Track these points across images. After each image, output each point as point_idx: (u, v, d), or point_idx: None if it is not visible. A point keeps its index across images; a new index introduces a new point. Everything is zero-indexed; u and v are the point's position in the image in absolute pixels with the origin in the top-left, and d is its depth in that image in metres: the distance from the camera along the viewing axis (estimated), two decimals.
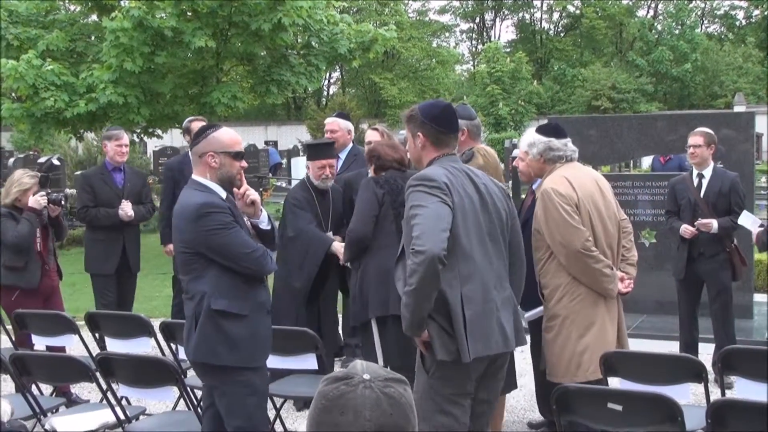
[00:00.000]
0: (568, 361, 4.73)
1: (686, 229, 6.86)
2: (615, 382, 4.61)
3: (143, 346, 5.54)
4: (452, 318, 3.70)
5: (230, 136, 4.11)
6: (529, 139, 4.98)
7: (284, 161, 26.74)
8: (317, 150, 6.40)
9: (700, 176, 6.97)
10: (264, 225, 4.25)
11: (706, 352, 6.90)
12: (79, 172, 7.92)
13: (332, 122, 7.40)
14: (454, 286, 3.71)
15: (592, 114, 37.31)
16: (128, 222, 7.38)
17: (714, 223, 6.77)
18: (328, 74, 48.21)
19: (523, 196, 7.81)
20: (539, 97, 42.97)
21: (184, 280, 4.08)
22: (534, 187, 5.44)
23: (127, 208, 7.33)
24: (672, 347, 7.02)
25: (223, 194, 4.10)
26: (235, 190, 4.17)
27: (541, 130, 4.98)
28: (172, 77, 15.20)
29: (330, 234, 6.30)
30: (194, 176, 4.14)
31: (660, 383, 4.24)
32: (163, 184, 8.22)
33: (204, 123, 8.01)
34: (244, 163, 4.15)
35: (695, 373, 4.30)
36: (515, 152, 5.55)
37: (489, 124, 36.78)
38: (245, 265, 3.98)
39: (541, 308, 5.06)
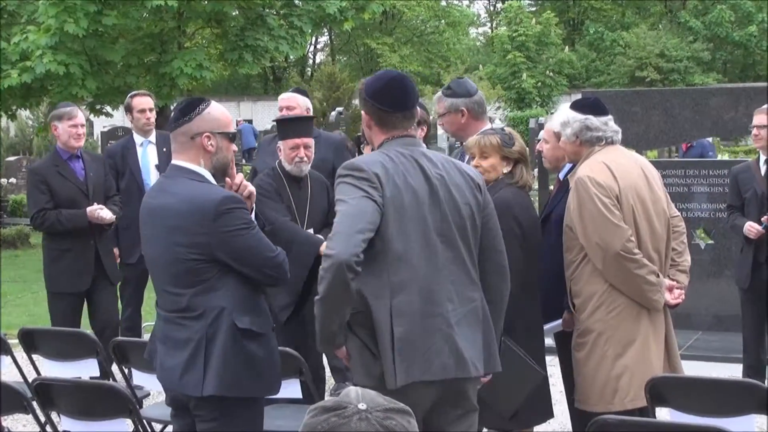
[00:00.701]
0: (602, 386, 4.75)
1: (751, 228, 6.83)
2: (663, 413, 4.62)
3: (90, 370, 5.53)
4: (377, 335, 3.71)
5: (224, 112, 4.11)
6: (562, 117, 4.99)
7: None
8: (289, 126, 6.33)
9: None
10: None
11: None
12: (28, 166, 7.54)
13: (290, 98, 7.37)
14: (382, 296, 3.70)
15: (635, 87, 37.30)
16: (98, 222, 6.94)
17: None
18: (314, 39, 48.21)
19: (551, 188, 7.79)
20: (571, 66, 42.98)
21: (185, 294, 3.93)
22: (561, 175, 5.46)
23: (103, 213, 6.91)
24: (733, 371, 7.03)
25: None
26: (227, 180, 4.13)
27: (576, 106, 4.99)
28: (125, 42, 15.21)
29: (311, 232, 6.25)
30: (182, 163, 4.03)
31: (718, 414, 4.24)
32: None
33: (149, 98, 8.02)
34: (234, 147, 4.15)
35: (761, 402, 4.28)
36: (542, 134, 5.58)
37: (510, 99, 36.86)
38: (269, 273, 3.96)
39: (559, 321, 5.08)
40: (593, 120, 4.91)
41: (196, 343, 3.91)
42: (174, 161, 4.08)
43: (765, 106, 7.01)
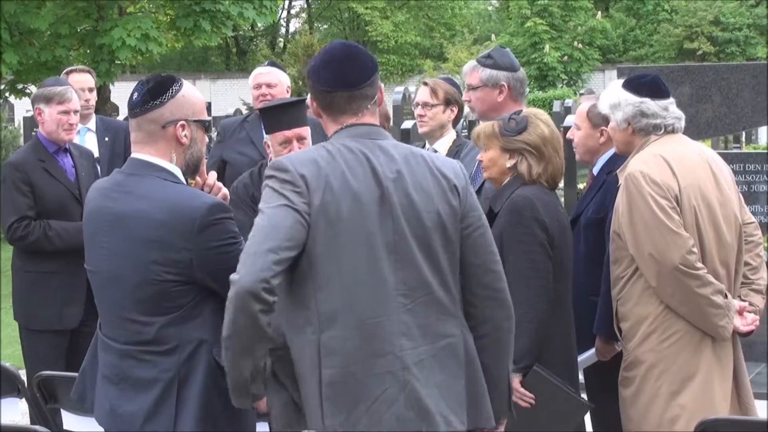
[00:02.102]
0: (654, 430, 4.76)
1: None
2: None
3: (10, 411, 5.54)
4: (299, 380, 3.62)
5: (199, 95, 4.11)
6: (613, 98, 4.99)
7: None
8: (278, 115, 6.29)
9: None
10: None
11: None
12: (6, 160, 6.84)
13: (269, 72, 7.34)
14: (307, 331, 3.59)
15: (685, 62, 37.39)
16: None
17: None
18: (287, 2, 48.25)
19: (581, 186, 7.81)
20: (605, 36, 43.07)
21: (153, 323, 3.89)
22: (595, 170, 5.48)
23: None
24: None
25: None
26: (197, 180, 4.11)
27: (630, 86, 4.98)
28: (52, 6, 15.21)
29: None
30: (147, 157, 4.00)
31: None
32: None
33: (88, 75, 7.97)
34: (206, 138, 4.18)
35: None
36: (569, 120, 5.59)
37: (530, 76, 36.87)
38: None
39: (592, 351, 5.09)
40: (650, 104, 4.91)
41: (166, 384, 3.87)
42: (136, 154, 4.02)
43: None
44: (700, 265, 4.70)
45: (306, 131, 6.19)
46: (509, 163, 4.84)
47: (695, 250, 4.70)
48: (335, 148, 3.67)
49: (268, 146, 6.15)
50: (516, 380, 4.61)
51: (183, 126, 3.96)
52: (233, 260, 3.66)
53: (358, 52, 3.83)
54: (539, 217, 4.69)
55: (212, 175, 4.17)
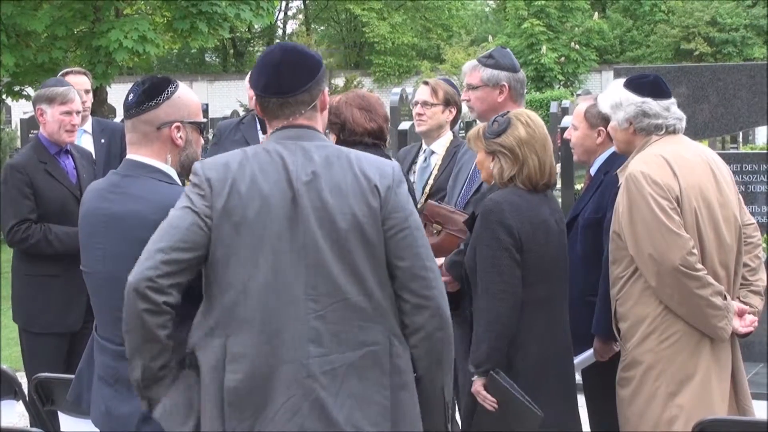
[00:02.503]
0: (652, 430, 4.76)
1: None
2: None
3: (8, 414, 5.53)
4: (201, 386, 3.58)
5: (194, 97, 4.12)
6: (614, 98, 4.99)
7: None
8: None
9: None
10: None
11: None
12: (7, 162, 6.66)
13: None
14: (211, 336, 3.56)
15: (681, 63, 37.42)
16: None
17: None
18: (284, 4, 48.26)
19: (578, 187, 7.79)
20: (602, 37, 43.11)
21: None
22: (592, 170, 5.48)
23: None
24: None
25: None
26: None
27: (632, 86, 4.99)
28: (49, 8, 15.21)
29: None
30: (142, 158, 4.02)
31: None
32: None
33: (84, 77, 7.94)
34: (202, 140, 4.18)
35: None
36: (566, 121, 5.59)
37: (528, 77, 36.70)
38: None
39: (590, 352, 5.09)
40: (652, 104, 4.91)
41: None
42: (131, 155, 4.03)
43: None
44: (700, 266, 4.70)
45: None
46: (493, 166, 4.83)
47: (695, 251, 4.70)
48: (253, 151, 3.64)
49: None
50: (478, 383, 4.67)
51: (178, 127, 3.98)
52: None
53: (297, 58, 3.76)
54: (505, 221, 4.66)
55: None
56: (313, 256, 3.53)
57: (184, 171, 4.03)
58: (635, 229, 4.72)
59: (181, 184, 4.03)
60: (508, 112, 4.98)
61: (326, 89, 3.87)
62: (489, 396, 4.66)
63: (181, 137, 3.99)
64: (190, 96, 4.06)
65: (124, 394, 3.91)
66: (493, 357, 4.65)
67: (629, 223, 4.74)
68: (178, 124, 3.98)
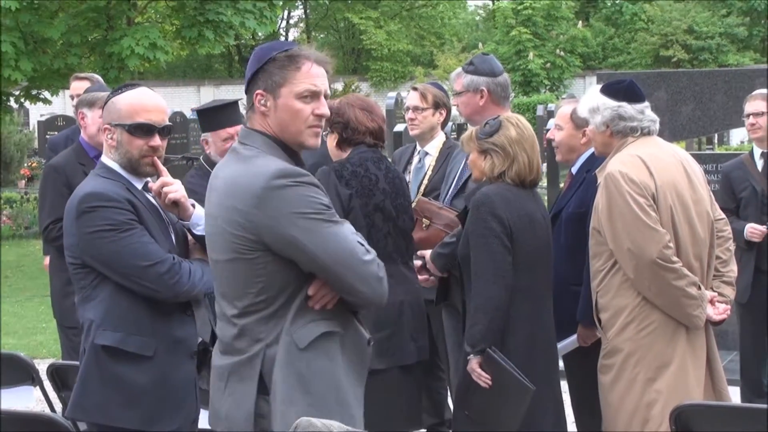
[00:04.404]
0: (630, 415, 4.78)
1: (754, 231, 6.87)
2: None
3: (25, 399, 5.53)
4: None
5: (130, 101, 4.10)
6: (592, 102, 5.01)
7: None
8: (217, 115, 6.25)
9: (766, 156, 7.02)
10: (199, 229, 4.15)
11: None
12: (48, 162, 6.58)
13: None
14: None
15: (660, 68, 37.41)
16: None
17: None
18: (286, 13, 48.22)
19: (562, 185, 7.82)
20: (585, 44, 43.11)
21: (76, 304, 4.10)
22: (574, 169, 5.49)
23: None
24: None
25: (138, 182, 4.12)
26: (150, 184, 4.15)
27: (608, 91, 5.01)
28: (65, 17, 15.19)
29: None
30: (102, 157, 4.20)
31: None
32: (44, 172, 8.09)
33: (88, 82, 7.91)
34: (155, 141, 4.10)
35: None
36: (552, 123, 5.61)
37: (515, 82, 36.91)
38: (143, 284, 3.98)
39: (573, 337, 5.11)
40: (627, 108, 4.93)
41: (80, 359, 4.08)
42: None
43: (760, 91, 7.04)
44: (675, 258, 4.72)
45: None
46: (485, 164, 4.90)
47: (671, 244, 4.72)
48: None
49: (207, 142, 6.14)
50: (474, 362, 4.74)
51: (107, 130, 4.11)
52: (110, 246, 3.92)
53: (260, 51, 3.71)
54: (495, 212, 4.76)
55: (162, 179, 4.13)
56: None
57: (129, 169, 4.12)
58: (614, 225, 4.73)
59: (141, 181, 4.15)
60: (498, 116, 5.04)
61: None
62: (484, 373, 4.72)
63: (111, 138, 4.10)
64: (124, 99, 4.10)
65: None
66: (488, 337, 4.72)
67: (608, 219, 4.75)
68: (106, 126, 4.10)
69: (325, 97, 3.59)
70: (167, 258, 3.98)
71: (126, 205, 3.99)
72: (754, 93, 7.07)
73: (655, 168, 4.80)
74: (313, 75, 3.53)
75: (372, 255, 3.51)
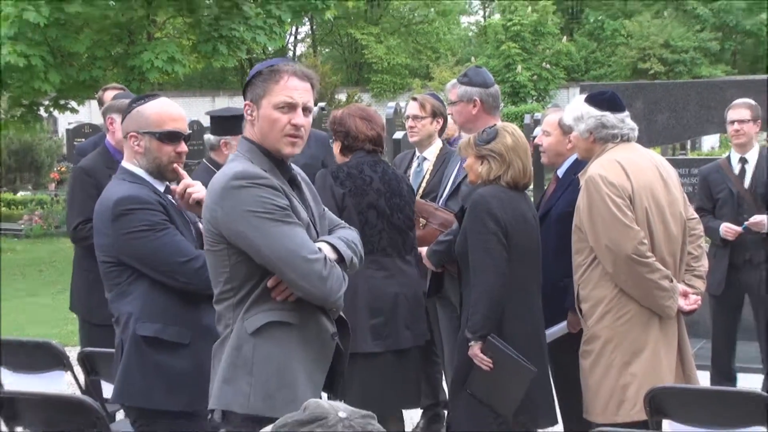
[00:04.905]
0: (608, 397, 4.82)
1: (729, 229, 6.89)
2: (664, 426, 4.66)
3: (57, 383, 5.55)
4: None
5: (159, 110, 4.12)
6: (577, 111, 5.04)
7: None
8: (227, 123, 6.33)
9: (743, 161, 7.03)
10: None
11: (746, 385, 7.00)
12: (78, 164, 6.45)
13: None
14: None
15: (638, 80, 37.36)
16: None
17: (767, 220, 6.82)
18: (294, 29, 48.16)
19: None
20: (569, 58, 43.03)
21: (109, 298, 4.11)
22: (560, 172, 5.52)
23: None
24: (741, 380, 7.15)
25: (160, 186, 4.14)
26: (172, 186, 4.18)
27: (592, 101, 5.05)
28: (90, 32, 15.19)
29: None
30: (123, 162, 4.19)
31: (721, 426, 4.31)
32: (73, 174, 8.10)
33: (121, 91, 7.93)
34: (182, 147, 4.12)
35: (766, 413, 4.29)
36: (538, 131, 5.65)
37: (504, 93, 36.84)
38: (180, 279, 4.01)
39: (563, 324, 5.14)
40: (610, 117, 4.97)
41: (116, 350, 4.10)
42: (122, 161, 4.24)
43: (742, 101, 7.04)
44: (650, 254, 4.76)
45: None
46: (481, 168, 4.94)
47: (645, 241, 4.77)
48: None
49: (213, 148, 6.20)
50: (476, 347, 4.80)
51: (134, 137, 4.10)
52: (148, 245, 3.95)
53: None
54: (492, 211, 4.82)
55: (184, 181, 4.15)
56: None
57: (154, 173, 4.12)
58: (594, 223, 4.78)
59: (163, 184, 4.14)
60: (495, 125, 5.10)
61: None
62: (486, 358, 4.77)
63: (138, 145, 4.09)
64: (152, 109, 4.10)
65: (118, 363, 4.14)
66: (488, 325, 4.78)
67: (589, 218, 4.80)
68: (133, 133, 4.09)
69: (307, 110, 3.62)
70: (200, 254, 3.97)
71: (158, 206, 4.02)
72: (736, 101, 7.06)
73: (632, 171, 4.85)
74: (290, 88, 3.57)
75: (318, 255, 3.53)
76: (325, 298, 3.57)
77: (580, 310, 4.96)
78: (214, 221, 3.53)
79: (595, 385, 4.87)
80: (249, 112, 3.64)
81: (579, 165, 5.29)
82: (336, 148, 5.49)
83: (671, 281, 4.83)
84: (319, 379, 3.67)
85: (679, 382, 4.86)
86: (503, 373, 4.76)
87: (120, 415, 5.67)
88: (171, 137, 4.09)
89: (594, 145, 5.00)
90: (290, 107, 3.58)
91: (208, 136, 6.38)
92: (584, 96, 5.16)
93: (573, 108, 5.10)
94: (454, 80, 5.91)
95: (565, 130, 5.38)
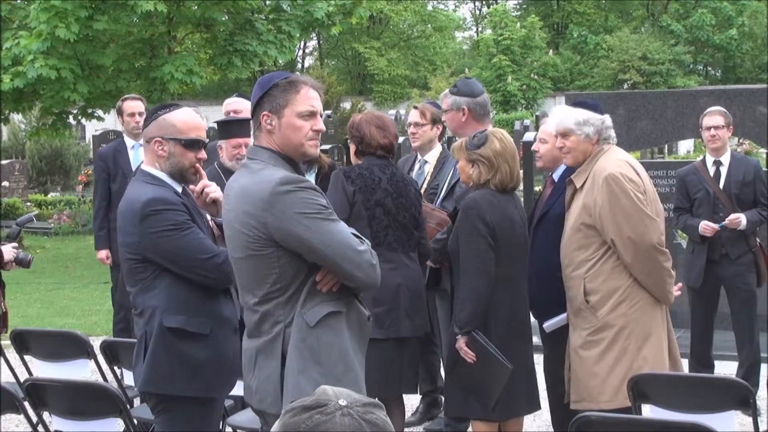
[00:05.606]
0: (621, 381, 4.73)
1: (707, 227, 6.88)
2: (646, 410, 4.61)
3: (81, 370, 5.51)
4: None
5: (184, 119, 4.10)
6: (579, 116, 4.98)
7: None
8: (231, 127, 6.32)
9: (718, 164, 7.01)
10: None
11: (723, 372, 6.98)
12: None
13: (235, 101, 7.35)
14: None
15: (618, 90, 37.40)
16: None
17: (743, 219, 6.81)
18: (302, 43, 48.25)
19: (538, 189, 7.77)
20: (555, 69, 43.13)
21: (132, 293, 4.07)
22: (555, 176, 5.45)
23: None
24: (718, 367, 7.10)
25: (178, 187, 4.10)
26: (190, 186, 4.15)
27: (588, 107, 5.03)
28: (115, 47, 15.18)
29: None
30: (143, 166, 4.15)
31: (700, 411, 4.25)
32: (95, 177, 8.12)
33: (139, 102, 7.93)
34: (202, 154, 4.11)
35: (741, 398, 4.30)
36: (527, 136, 5.59)
37: (496, 102, 36.93)
38: (204, 274, 3.98)
39: (563, 315, 5.08)
40: (608, 119, 5.02)
41: (140, 340, 4.05)
42: (141, 164, 4.21)
43: (715, 108, 7.05)
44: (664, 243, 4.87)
45: (249, 141, 6.23)
46: (472, 171, 4.92)
47: (663, 232, 4.86)
48: None
49: (221, 148, 6.19)
50: (462, 341, 4.80)
51: (158, 142, 4.06)
52: (175, 243, 3.91)
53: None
54: (481, 214, 4.81)
55: (201, 183, 4.14)
56: None
57: (176, 177, 4.09)
58: (616, 218, 4.77)
59: (180, 186, 4.10)
60: (485, 130, 5.06)
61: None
62: (470, 351, 4.77)
63: (163, 150, 4.06)
64: (177, 117, 4.08)
65: (141, 353, 4.07)
66: (473, 321, 4.77)
67: (610, 212, 4.78)
68: (158, 139, 4.05)
69: (321, 115, 3.68)
70: (222, 251, 3.97)
71: (182, 207, 3.99)
72: (711, 109, 7.04)
73: (639, 170, 4.91)
74: (311, 97, 3.60)
75: (365, 245, 3.56)
76: (375, 284, 3.61)
77: (587, 302, 4.89)
78: (262, 227, 3.47)
79: (604, 372, 4.80)
80: (268, 122, 3.60)
81: (573, 169, 5.25)
82: (352, 149, 5.53)
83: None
84: (363, 359, 3.70)
85: (671, 369, 4.86)
86: (484, 366, 4.77)
87: (137, 401, 5.63)
88: (194, 144, 4.08)
89: (594, 147, 4.98)
90: (311, 115, 3.61)
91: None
92: (572, 103, 5.14)
93: (572, 114, 5.04)
94: (446, 90, 5.94)
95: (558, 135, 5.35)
